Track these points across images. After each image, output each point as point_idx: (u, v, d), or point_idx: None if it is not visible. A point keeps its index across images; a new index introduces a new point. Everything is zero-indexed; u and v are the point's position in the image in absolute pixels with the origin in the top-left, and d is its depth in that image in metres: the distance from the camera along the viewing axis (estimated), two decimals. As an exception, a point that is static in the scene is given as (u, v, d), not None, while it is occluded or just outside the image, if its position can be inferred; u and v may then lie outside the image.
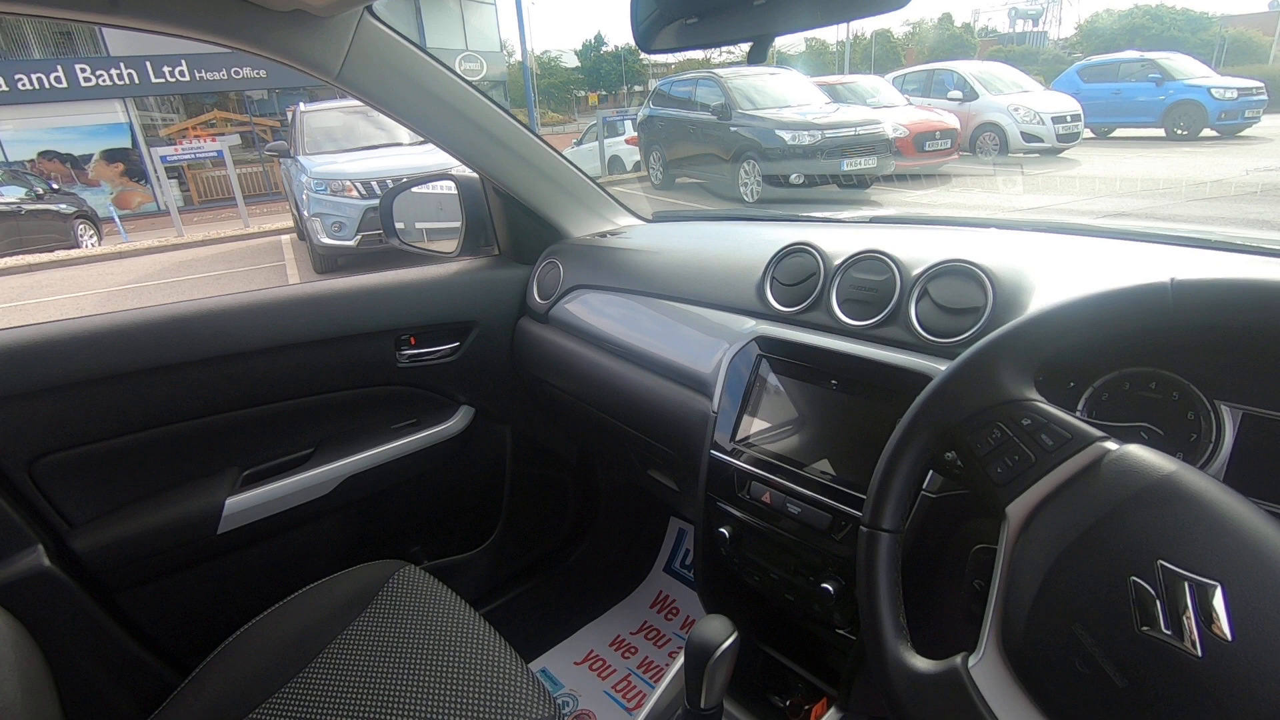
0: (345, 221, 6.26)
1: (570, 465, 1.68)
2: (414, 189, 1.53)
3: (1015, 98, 9.10)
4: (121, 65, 13.78)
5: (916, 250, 0.85)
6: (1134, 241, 0.85)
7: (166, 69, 14.12)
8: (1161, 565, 0.43)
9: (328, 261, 6.77)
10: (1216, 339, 0.55)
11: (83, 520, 1.07)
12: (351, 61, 1.07)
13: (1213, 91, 9.51)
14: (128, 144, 14.66)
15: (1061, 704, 0.46)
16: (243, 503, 1.15)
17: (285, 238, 9.70)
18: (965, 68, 10.09)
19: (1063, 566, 0.47)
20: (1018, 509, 0.51)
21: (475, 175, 1.38)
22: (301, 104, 7.91)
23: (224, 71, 14.66)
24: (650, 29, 0.74)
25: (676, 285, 1.13)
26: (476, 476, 1.56)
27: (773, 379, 0.89)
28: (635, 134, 10.35)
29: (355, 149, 6.99)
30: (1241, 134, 9.67)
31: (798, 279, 0.94)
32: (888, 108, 8.69)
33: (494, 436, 1.53)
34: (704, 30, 0.72)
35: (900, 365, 0.76)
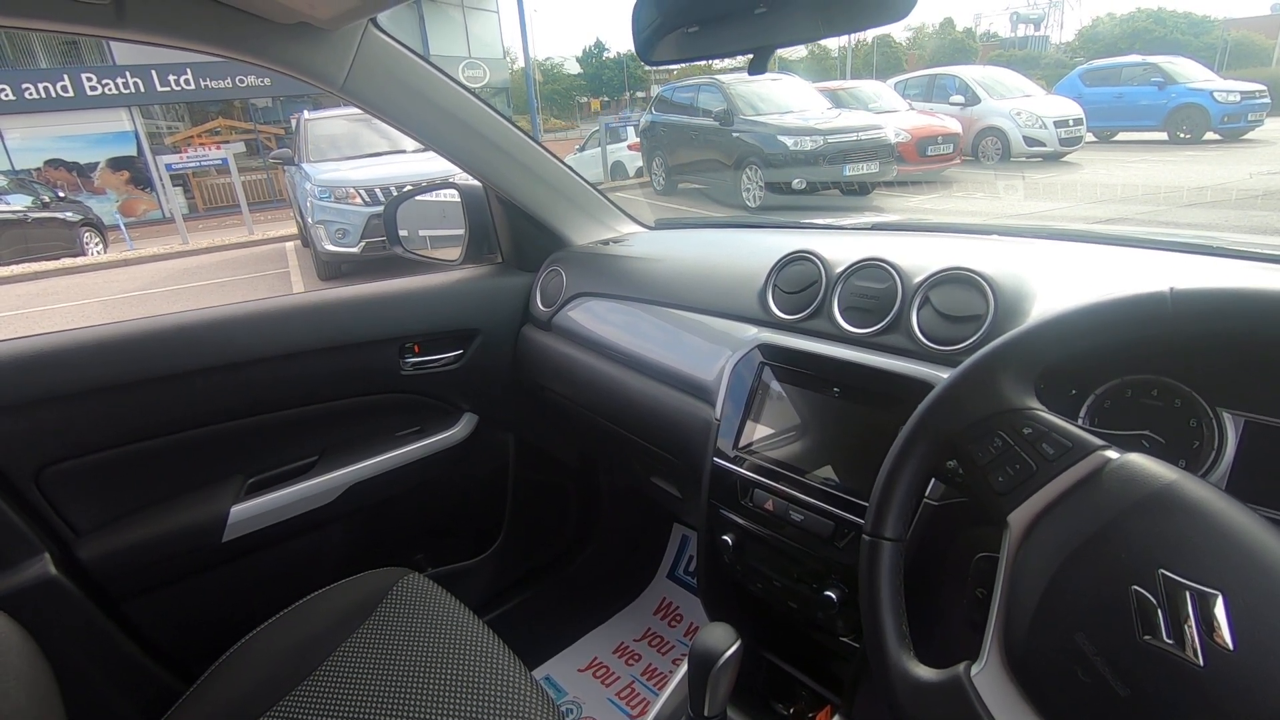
0: (349, 228, 6.29)
1: (573, 472, 1.68)
2: (417, 197, 1.54)
3: (1017, 102, 9.08)
4: (127, 74, 13.87)
5: (918, 258, 0.85)
6: (1135, 248, 0.85)
7: (172, 78, 14.20)
8: (1163, 574, 0.43)
9: (331, 268, 6.78)
10: (1218, 346, 0.55)
11: (89, 529, 1.07)
12: (355, 73, 1.08)
13: (1215, 95, 9.48)
14: (133, 152, 14.75)
15: (1064, 713, 0.46)
16: (247, 511, 1.15)
17: (289, 244, 9.72)
18: (967, 72, 10.08)
19: (1064, 575, 0.47)
20: (1019, 518, 0.51)
21: (478, 183, 1.39)
22: (305, 112, 7.96)
23: (229, 80, 14.73)
24: (651, 38, 0.74)
25: (679, 293, 1.14)
26: (480, 484, 1.56)
27: (775, 386, 0.90)
28: (638, 140, 10.38)
29: (359, 156, 7.02)
30: (1245, 137, 9.63)
31: (800, 287, 0.95)
32: (890, 113, 8.67)
33: (497, 444, 1.53)
34: (705, 40, 0.73)
35: (902, 373, 0.76)
